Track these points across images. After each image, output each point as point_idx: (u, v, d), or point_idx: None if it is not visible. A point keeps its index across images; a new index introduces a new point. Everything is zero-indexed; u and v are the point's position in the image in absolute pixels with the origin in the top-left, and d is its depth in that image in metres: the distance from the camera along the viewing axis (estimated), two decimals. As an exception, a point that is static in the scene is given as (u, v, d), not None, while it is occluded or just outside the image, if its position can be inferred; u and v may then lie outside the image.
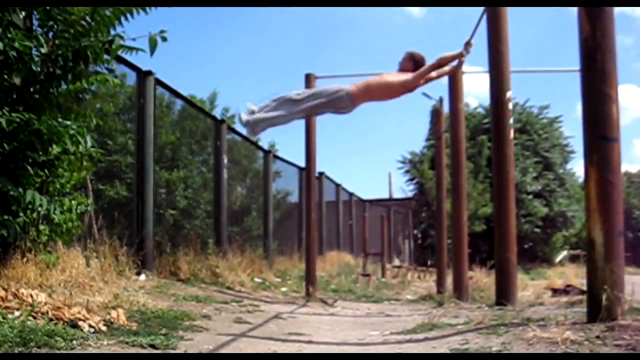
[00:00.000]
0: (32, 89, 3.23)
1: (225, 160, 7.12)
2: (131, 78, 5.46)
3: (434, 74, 3.93)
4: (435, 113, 7.69)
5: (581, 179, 19.31)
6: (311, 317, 4.07)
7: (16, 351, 1.92)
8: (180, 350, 2.23)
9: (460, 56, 4.14)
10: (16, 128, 3.00)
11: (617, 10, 2.54)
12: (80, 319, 2.47)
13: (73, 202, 3.57)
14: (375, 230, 12.52)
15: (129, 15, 3.26)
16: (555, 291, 6.71)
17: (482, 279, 6.76)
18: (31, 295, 2.70)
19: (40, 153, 3.22)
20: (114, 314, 2.74)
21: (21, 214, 3.25)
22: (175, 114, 7.96)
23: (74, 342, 2.14)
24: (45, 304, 2.64)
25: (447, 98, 5.88)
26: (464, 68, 5.67)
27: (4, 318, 2.32)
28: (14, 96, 3.19)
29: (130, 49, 3.36)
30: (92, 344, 2.17)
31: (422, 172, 19.12)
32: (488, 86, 4.27)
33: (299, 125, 6.18)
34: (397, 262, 14.61)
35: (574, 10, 2.55)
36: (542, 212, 20.89)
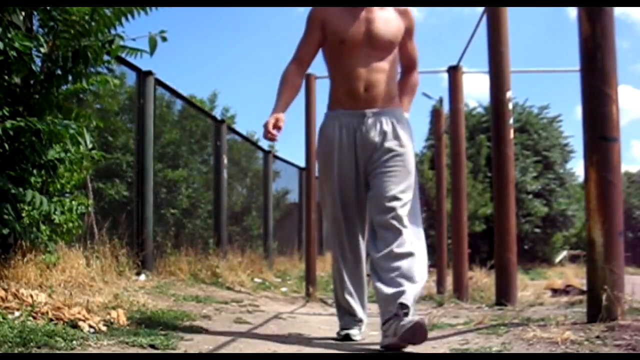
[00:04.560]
0: (32, 89, 3.24)
1: (225, 161, 7.13)
2: (131, 78, 5.47)
3: None
4: (435, 113, 7.70)
5: (581, 179, 19.33)
6: (311, 317, 4.07)
7: (16, 351, 1.92)
8: (180, 350, 2.23)
9: None
10: (18, 129, 3.01)
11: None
12: (80, 319, 2.47)
13: (73, 202, 3.57)
14: (375, 230, 12.46)
15: (129, 16, 3.26)
16: (555, 291, 6.71)
17: (482, 279, 6.75)
18: (31, 296, 2.70)
19: (41, 153, 3.22)
20: (114, 314, 2.74)
21: (24, 215, 3.25)
22: (176, 114, 7.97)
23: (74, 342, 2.13)
24: (45, 304, 2.64)
25: (447, 98, 5.88)
26: (464, 68, 5.66)
27: (4, 318, 2.32)
28: (14, 96, 3.19)
29: (132, 50, 3.36)
30: (92, 344, 2.17)
31: (422, 172, 19.11)
32: (488, 86, 4.27)
33: (299, 125, 6.20)
34: (397, 262, 14.55)
35: (574, 11, 2.55)
36: (542, 212, 20.89)
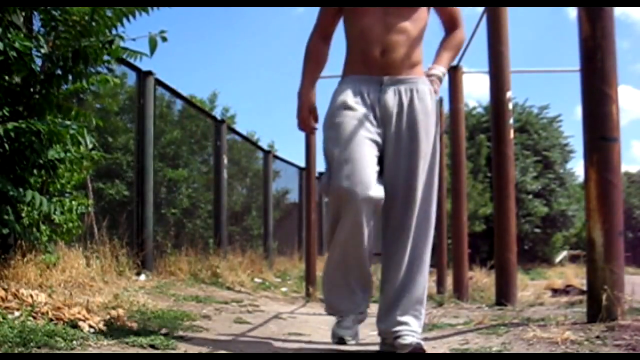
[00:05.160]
0: (32, 90, 3.24)
1: (225, 161, 7.13)
2: (131, 78, 5.48)
3: None
4: (435, 113, 7.68)
5: (581, 179, 19.33)
6: (311, 317, 4.06)
7: (16, 351, 1.92)
8: (180, 350, 2.23)
9: None
10: (18, 130, 3.01)
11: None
12: (80, 319, 2.47)
13: (73, 202, 3.57)
14: (376, 230, 12.46)
15: (130, 17, 3.25)
16: (555, 291, 6.73)
17: (482, 279, 6.76)
18: (31, 296, 2.70)
19: (41, 154, 3.22)
20: (114, 314, 2.74)
21: (24, 215, 3.25)
22: (176, 114, 7.98)
23: (74, 342, 2.14)
24: (45, 304, 2.64)
25: (447, 98, 5.88)
26: (465, 68, 5.67)
27: (4, 318, 2.32)
28: (14, 96, 3.19)
29: (132, 52, 3.36)
30: (92, 344, 2.17)
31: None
32: (488, 87, 4.28)
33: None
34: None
35: (574, 11, 2.55)
36: (542, 212, 20.89)
